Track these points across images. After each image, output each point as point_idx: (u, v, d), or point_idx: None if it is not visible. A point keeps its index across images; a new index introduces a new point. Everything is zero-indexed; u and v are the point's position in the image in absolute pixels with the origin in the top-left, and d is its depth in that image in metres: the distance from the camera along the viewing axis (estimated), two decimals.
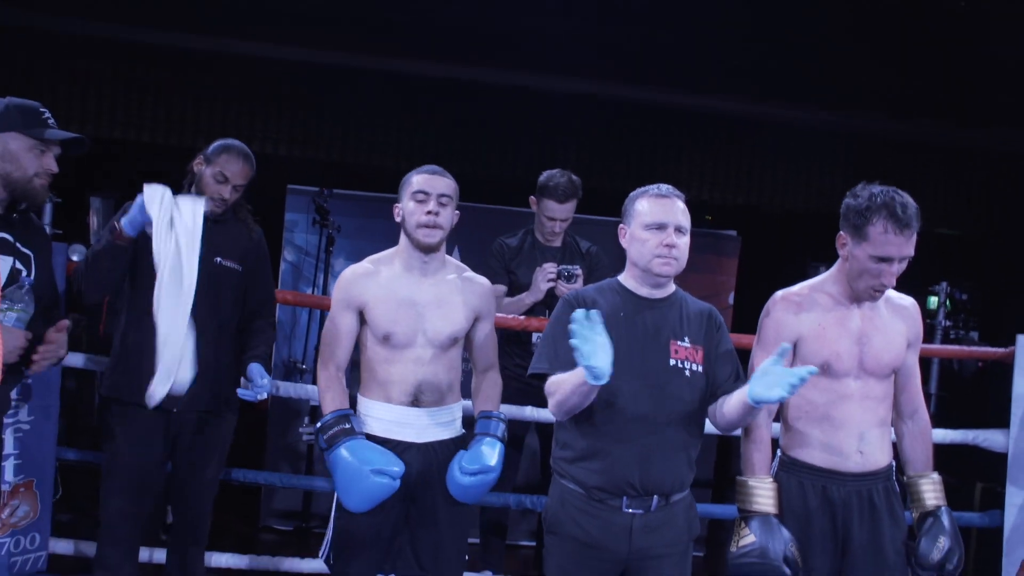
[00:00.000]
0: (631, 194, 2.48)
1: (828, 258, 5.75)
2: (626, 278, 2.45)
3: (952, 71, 5.73)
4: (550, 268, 3.65)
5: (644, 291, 2.41)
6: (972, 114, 6.13)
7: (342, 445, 2.52)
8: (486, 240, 4.04)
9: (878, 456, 2.49)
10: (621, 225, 2.45)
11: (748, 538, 2.43)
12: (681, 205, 2.41)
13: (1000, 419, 3.61)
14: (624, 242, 2.44)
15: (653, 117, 6.69)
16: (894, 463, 2.57)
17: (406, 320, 2.62)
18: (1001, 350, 3.68)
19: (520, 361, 3.63)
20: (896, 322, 2.53)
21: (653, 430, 2.30)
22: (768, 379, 2.16)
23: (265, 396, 2.88)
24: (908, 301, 2.60)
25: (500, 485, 3.73)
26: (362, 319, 2.66)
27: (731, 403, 2.34)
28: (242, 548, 3.71)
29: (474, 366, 2.84)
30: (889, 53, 5.66)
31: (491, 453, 2.62)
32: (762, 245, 6.07)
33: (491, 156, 6.58)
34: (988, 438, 3.60)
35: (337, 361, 2.67)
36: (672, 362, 2.35)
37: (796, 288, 2.57)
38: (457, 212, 2.71)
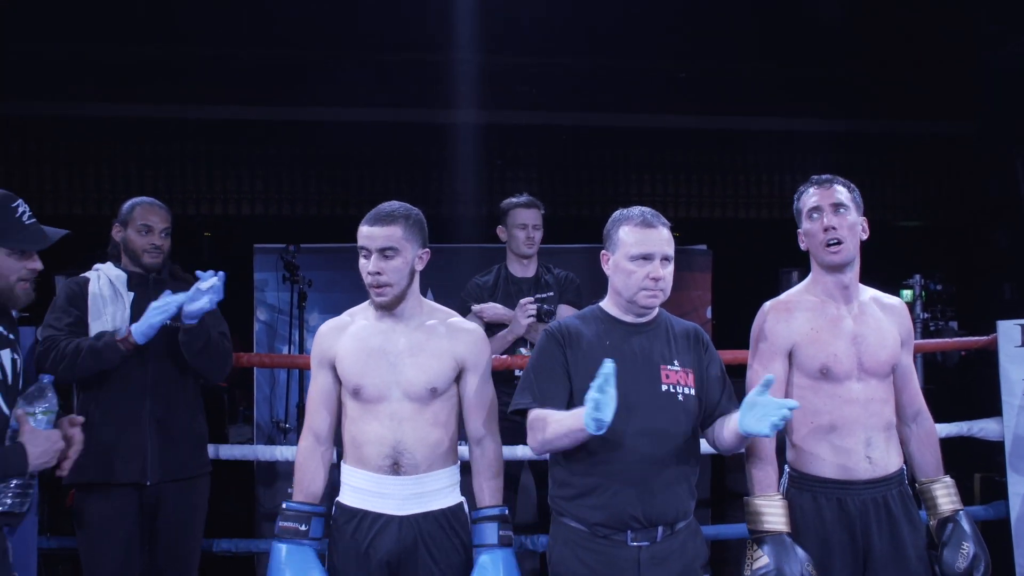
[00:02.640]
0: (613, 217, 2.37)
1: (798, 263, 5.79)
2: (609, 305, 2.39)
3: (912, 63, 5.83)
4: (529, 304, 3.61)
5: (629, 317, 2.36)
6: (928, 105, 6.23)
7: (290, 543, 2.32)
8: (460, 279, 4.00)
9: (887, 461, 2.45)
10: (604, 252, 2.38)
11: (761, 560, 2.35)
12: (666, 233, 2.33)
13: (990, 407, 3.60)
14: (607, 269, 2.37)
15: (609, 141, 6.74)
16: (905, 468, 2.53)
17: (376, 371, 2.35)
18: (984, 338, 3.68)
19: (508, 399, 3.57)
20: (887, 320, 2.51)
21: (651, 459, 2.25)
22: (757, 411, 2.12)
23: (217, 284, 2.77)
24: (896, 301, 2.59)
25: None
26: (337, 376, 2.42)
27: (727, 429, 2.31)
28: None
29: (467, 433, 2.44)
30: (845, 50, 5.73)
31: (496, 572, 2.31)
32: (733, 256, 6.08)
33: (458, 195, 6.59)
34: (983, 428, 3.59)
35: (315, 428, 2.43)
36: (664, 387, 2.30)
37: (783, 296, 2.56)
38: (425, 251, 2.42)
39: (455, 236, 5.64)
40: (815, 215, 2.46)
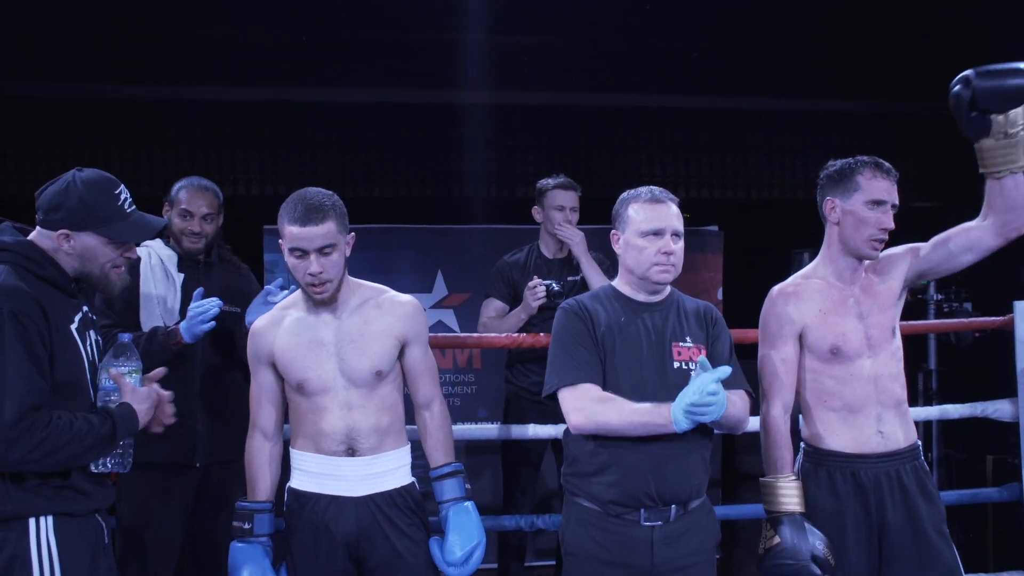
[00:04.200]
0: (622, 197, 2.40)
1: (810, 244, 5.75)
2: (621, 284, 2.41)
3: (928, 42, 5.75)
4: (538, 287, 3.61)
5: (641, 296, 2.37)
6: (945, 85, 6.15)
7: (239, 543, 2.36)
8: (470, 261, 4.00)
9: (899, 435, 2.48)
10: (613, 231, 2.39)
11: (775, 539, 2.40)
12: (675, 209, 2.35)
13: (1005, 389, 3.57)
14: (618, 248, 2.38)
15: (620, 121, 6.69)
16: (919, 443, 2.56)
17: (318, 363, 2.34)
18: (999, 319, 3.65)
19: (538, 379, 3.58)
20: (882, 282, 2.53)
21: (663, 436, 2.24)
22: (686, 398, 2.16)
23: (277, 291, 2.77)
24: (880, 255, 2.55)
25: (517, 507, 3.70)
26: (278, 372, 2.41)
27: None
28: None
29: (413, 400, 2.48)
30: (859, 29, 5.67)
31: (470, 526, 2.35)
32: (744, 237, 6.05)
33: (466, 177, 6.56)
34: (997, 409, 3.56)
35: (261, 426, 2.43)
36: (676, 364, 2.30)
37: (790, 280, 2.58)
38: (351, 235, 2.37)
39: (463, 218, 5.63)
40: (875, 207, 2.45)
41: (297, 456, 2.41)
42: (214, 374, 2.89)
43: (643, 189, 2.38)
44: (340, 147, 6.38)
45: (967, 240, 2.49)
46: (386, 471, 2.38)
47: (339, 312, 2.39)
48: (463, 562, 2.31)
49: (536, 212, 3.80)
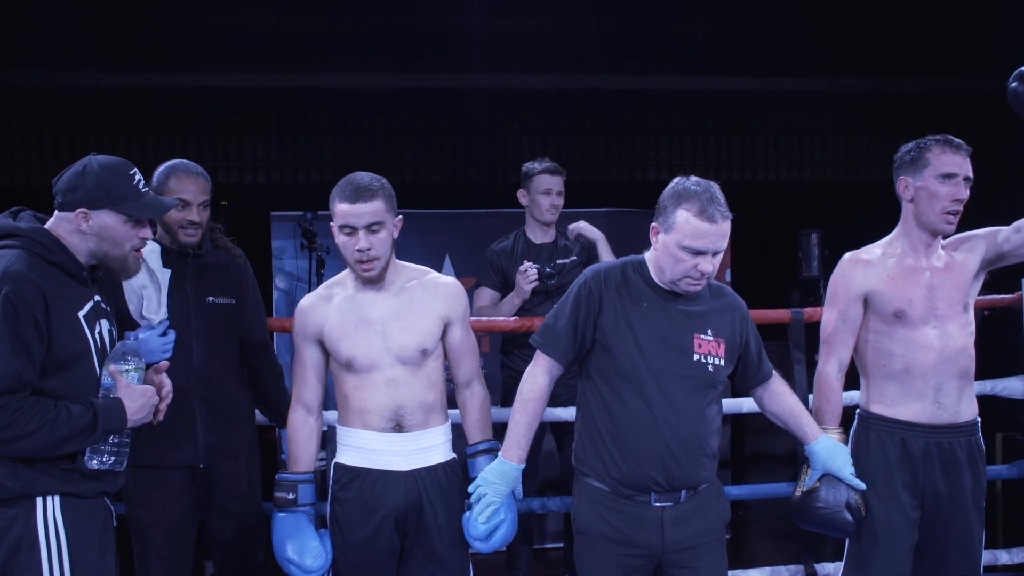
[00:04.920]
0: (675, 190, 2.26)
1: (817, 225, 5.73)
2: (651, 265, 2.33)
3: (940, 21, 5.72)
4: (530, 271, 3.60)
5: (667, 284, 2.32)
6: (955, 63, 6.12)
7: (282, 513, 2.43)
8: (478, 246, 4.00)
9: (958, 408, 2.52)
10: (654, 224, 2.30)
11: (814, 485, 2.47)
12: (726, 227, 2.23)
13: (1014, 366, 3.58)
14: (654, 241, 2.31)
15: (626, 104, 6.67)
16: (979, 420, 2.59)
17: (366, 340, 2.41)
18: (1009, 297, 3.64)
19: (522, 363, 3.59)
20: (959, 257, 2.57)
21: (676, 427, 2.25)
22: (840, 459, 2.43)
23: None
24: (966, 235, 2.62)
25: (525, 489, 3.72)
26: (325, 348, 2.46)
27: (786, 417, 2.47)
28: None
29: (455, 380, 2.55)
30: (868, 9, 5.64)
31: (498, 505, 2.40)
32: (752, 219, 6.03)
33: (472, 161, 6.56)
34: (1007, 386, 3.56)
35: (305, 400, 2.50)
36: (696, 357, 2.29)
37: (865, 248, 2.64)
38: (399, 218, 2.43)
39: (471, 202, 5.63)
40: (948, 180, 2.50)
41: (344, 433, 2.47)
42: (211, 372, 2.75)
43: (698, 194, 2.22)
44: (347, 133, 6.38)
45: None
46: (431, 446, 2.45)
47: (385, 292, 2.45)
48: (486, 536, 2.36)
49: (522, 196, 3.78)
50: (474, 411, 2.54)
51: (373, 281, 2.42)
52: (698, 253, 2.21)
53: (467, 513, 2.41)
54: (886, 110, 6.68)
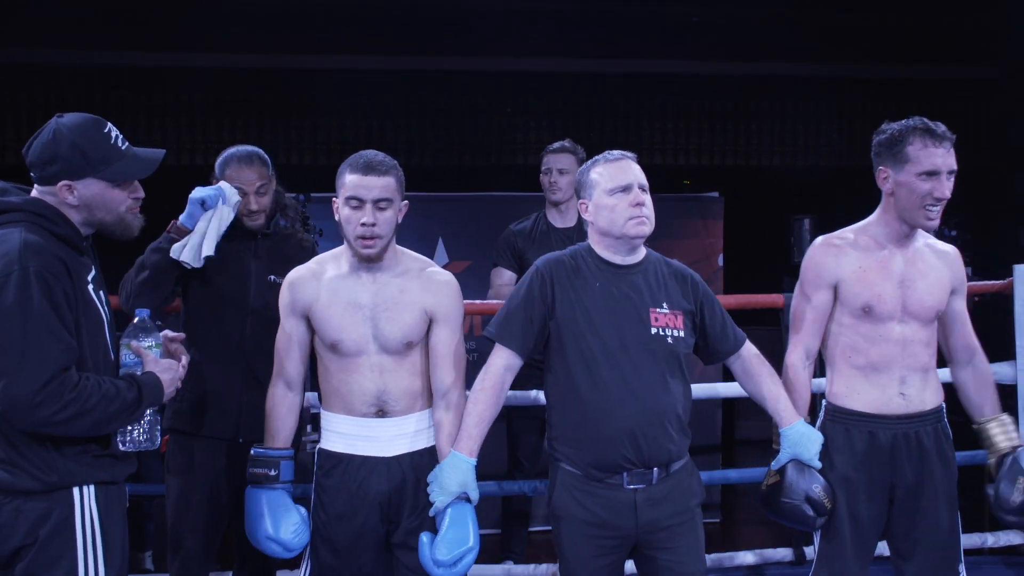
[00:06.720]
0: (581, 168, 2.43)
1: (810, 210, 5.74)
2: (597, 247, 2.38)
3: (932, 6, 5.71)
4: None
5: (617, 259, 2.36)
6: (949, 49, 6.12)
7: (261, 488, 2.38)
8: (471, 229, 3.99)
9: (923, 398, 2.49)
10: (581, 201, 2.39)
11: (775, 477, 2.46)
12: (636, 165, 2.37)
13: (1004, 352, 3.60)
14: (588, 216, 2.38)
15: (620, 88, 6.66)
16: (944, 406, 2.56)
17: (354, 326, 2.33)
18: (999, 283, 3.66)
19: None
20: (939, 266, 2.52)
21: (642, 401, 2.26)
22: (812, 446, 2.43)
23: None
24: (949, 248, 2.59)
25: (521, 473, 3.72)
26: (311, 325, 2.39)
27: (762, 397, 2.48)
28: None
29: (432, 386, 2.39)
30: None
31: (464, 529, 2.28)
32: (744, 203, 6.05)
33: (466, 144, 6.54)
34: (996, 371, 3.56)
35: (287, 375, 2.43)
36: (653, 330, 2.30)
37: (838, 232, 2.56)
38: (405, 203, 2.38)
39: (464, 185, 5.62)
40: (931, 178, 2.40)
41: (328, 418, 2.41)
42: (259, 348, 2.67)
43: (599, 155, 2.39)
44: (340, 115, 6.35)
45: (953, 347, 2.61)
46: (415, 431, 2.38)
47: (380, 276, 2.37)
48: (452, 564, 2.25)
49: (541, 179, 3.79)
50: (448, 425, 2.36)
51: (370, 260, 2.34)
52: (624, 190, 2.31)
53: (427, 533, 2.29)
54: (880, 96, 6.68)
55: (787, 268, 5.49)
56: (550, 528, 2.44)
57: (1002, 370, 3.59)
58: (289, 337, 2.43)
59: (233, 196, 2.68)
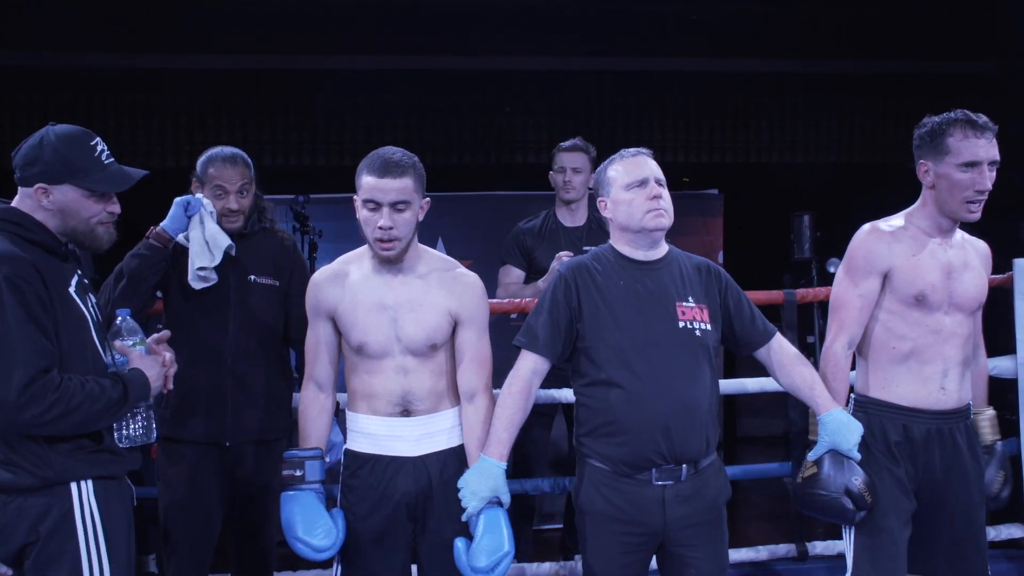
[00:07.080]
0: (599, 168, 2.46)
1: (809, 207, 5.75)
2: (618, 244, 2.40)
3: (933, 2, 5.71)
4: (566, 256, 3.58)
5: (640, 254, 2.37)
6: (950, 45, 6.12)
7: (290, 491, 2.33)
8: (470, 228, 3.99)
9: (960, 394, 2.48)
10: (600, 198, 2.41)
11: (812, 469, 2.41)
12: (652, 161, 2.40)
13: (1004, 346, 3.59)
14: (607, 213, 2.40)
15: (619, 86, 6.67)
16: (971, 403, 2.56)
17: (378, 327, 2.31)
18: (999, 276, 3.65)
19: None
20: (977, 260, 2.53)
21: (671, 396, 2.26)
22: (851, 436, 2.36)
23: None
24: (982, 244, 2.59)
25: (529, 471, 3.69)
26: (336, 326, 2.38)
27: (797, 387, 2.43)
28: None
29: (459, 388, 2.38)
30: None
31: (499, 535, 2.25)
32: (744, 201, 6.05)
33: (465, 143, 6.55)
34: (996, 365, 3.57)
35: (316, 377, 2.43)
36: (681, 324, 2.31)
37: (886, 220, 2.53)
38: (427, 200, 2.35)
39: (463, 185, 5.63)
40: (970, 169, 2.38)
41: (353, 419, 2.40)
42: (244, 349, 2.72)
43: (616, 154, 2.43)
44: (338, 116, 6.36)
45: None
46: (441, 430, 2.37)
47: (403, 276, 2.35)
48: (490, 570, 2.23)
49: (551, 177, 3.77)
50: (475, 427, 2.35)
51: (391, 262, 2.32)
52: (641, 184, 2.34)
53: (462, 539, 2.27)
54: (880, 93, 6.67)
55: (787, 265, 5.49)
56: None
57: (1002, 364, 3.59)
58: (317, 339, 2.41)
59: (209, 206, 2.70)
